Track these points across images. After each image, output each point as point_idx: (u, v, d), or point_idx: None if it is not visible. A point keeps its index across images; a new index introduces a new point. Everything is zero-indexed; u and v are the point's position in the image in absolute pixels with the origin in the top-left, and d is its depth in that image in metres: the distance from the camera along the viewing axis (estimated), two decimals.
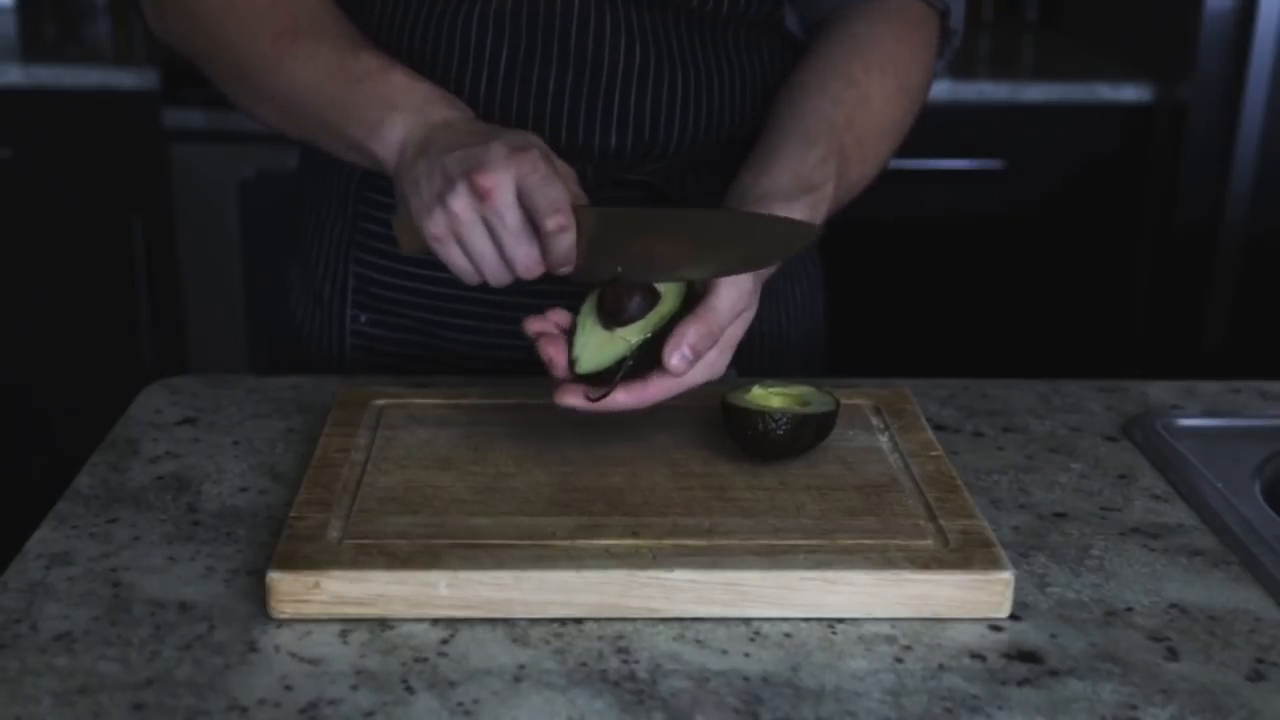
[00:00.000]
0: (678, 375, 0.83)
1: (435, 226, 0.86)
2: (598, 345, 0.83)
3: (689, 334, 0.83)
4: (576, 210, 0.85)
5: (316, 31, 0.98)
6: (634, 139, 1.05)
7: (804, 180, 0.94)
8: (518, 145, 0.85)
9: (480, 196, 0.83)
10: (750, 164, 0.96)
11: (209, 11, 1.01)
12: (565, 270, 0.86)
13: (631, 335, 0.83)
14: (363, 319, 1.13)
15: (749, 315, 0.88)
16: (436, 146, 0.87)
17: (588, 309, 0.84)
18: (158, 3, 1.05)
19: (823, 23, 1.08)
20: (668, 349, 0.82)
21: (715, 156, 1.09)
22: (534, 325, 0.86)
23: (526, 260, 0.86)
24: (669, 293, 0.85)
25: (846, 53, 1.03)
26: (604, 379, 0.82)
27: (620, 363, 0.82)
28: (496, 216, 0.84)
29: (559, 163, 0.88)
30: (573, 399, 0.83)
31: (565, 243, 0.84)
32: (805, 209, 0.92)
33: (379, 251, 1.11)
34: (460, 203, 0.84)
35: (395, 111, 0.91)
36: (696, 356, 0.83)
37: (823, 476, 0.84)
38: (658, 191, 1.08)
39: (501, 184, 0.83)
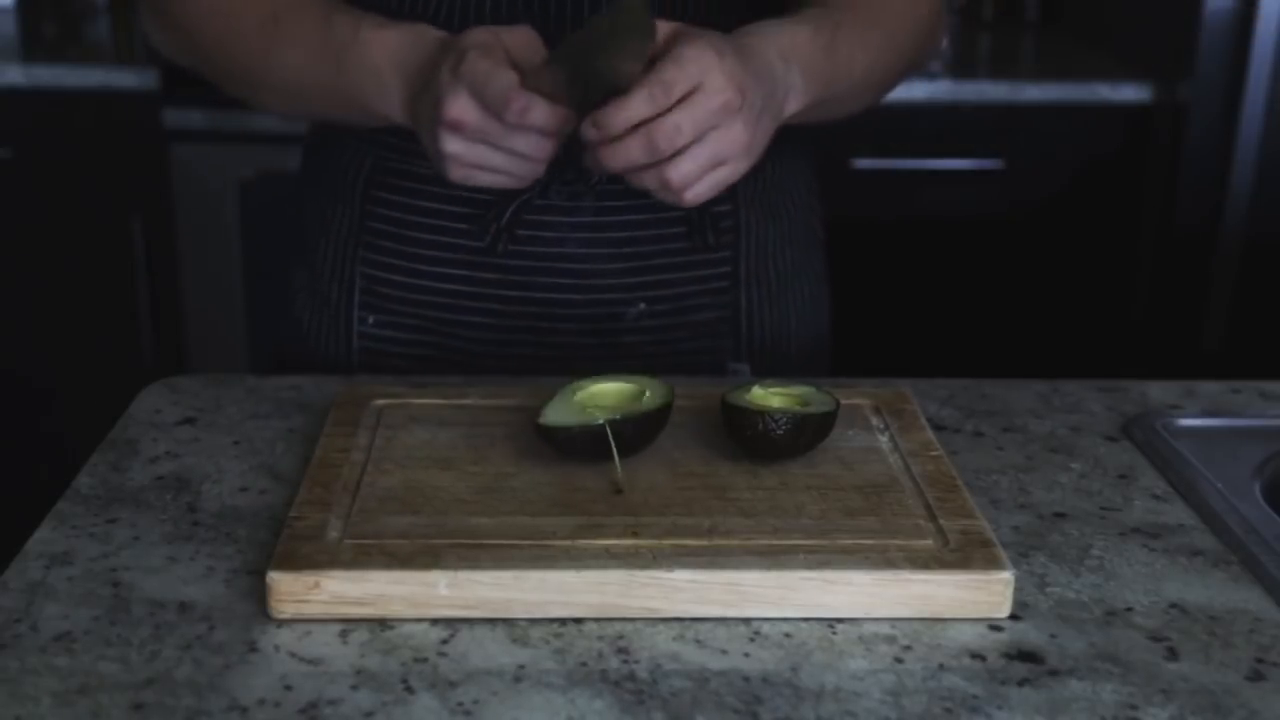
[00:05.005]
0: (588, 139, 0.87)
1: (452, 173, 0.91)
2: (565, 411, 0.84)
3: (629, 103, 0.85)
4: (532, 73, 0.88)
5: (295, 10, 0.99)
6: None
7: (795, 35, 0.96)
8: (454, 61, 0.88)
9: (456, 129, 0.88)
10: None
11: (192, 21, 1.04)
12: (569, 127, 0.89)
13: (600, 414, 0.83)
14: (370, 320, 1.13)
15: (728, 100, 0.87)
16: (419, 99, 0.92)
17: (566, 390, 0.87)
18: (152, 20, 1.09)
19: None
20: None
21: None
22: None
23: (533, 149, 0.90)
24: (653, 390, 0.87)
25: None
26: (560, 436, 0.83)
27: (586, 428, 0.82)
28: (480, 134, 0.88)
29: (508, 35, 0.90)
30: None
31: (538, 117, 0.87)
32: (801, 43, 0.94)
33: (387, 250, 1.11)
34: (451, 144, 0.89)
35: (380, 77, 0.95)
36: (602, 131, 0.86)
37: (823, 476, 0.84)
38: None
39: (463, 108, 0.87)
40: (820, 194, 1.21)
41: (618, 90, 0.86)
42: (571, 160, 1.05)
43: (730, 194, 1.09)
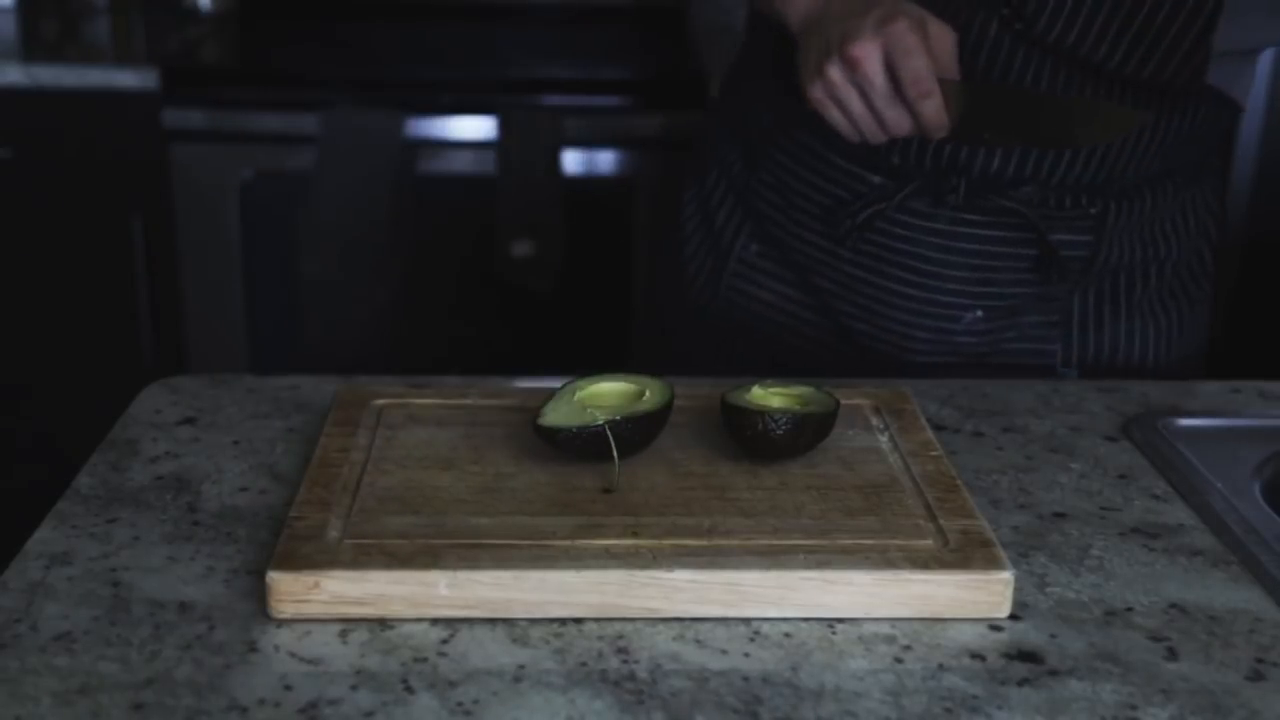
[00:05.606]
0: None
1: (815, 91, 1.00)
2: (565, 412, 0.84)
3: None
4: (945, 83, 0.96)
5: None
6: (1016, 166, 1.09)
7: None
8: (888, 17, 0.95)
9: (850, 65, 0.96)
10: None
11: None
12: (940, 135, 0.98)
13: (600, 414, 0.83)
14: (754, 249, 1.21)
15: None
16: (825, 19, 1.00)
17: (566, 391, 0.87)
18: None
19: None
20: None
21: (1089, 184, 1.12)
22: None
23: (895, 120, 0.98)
24: (653, 390, 0.87)
25: None
26: (560, 437, 0.82)
27: (586, 428, 0.82)
28: (866, 82, 0.96)
29: (935, 27, 0.98)
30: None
31: (930, 108, 0.96)
32: None
33: (771, 203, 1.20)
34: (835, 70, 0.98)
35: None
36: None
37: (823, 476, 0.84)
38: (1023, 219, 1.11)
39: (869, 54, 0.95)
40: (1220, 221, 1.24)
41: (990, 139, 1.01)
42: (940, 170, 1.09)
43: (1097, 226, 1.12)
